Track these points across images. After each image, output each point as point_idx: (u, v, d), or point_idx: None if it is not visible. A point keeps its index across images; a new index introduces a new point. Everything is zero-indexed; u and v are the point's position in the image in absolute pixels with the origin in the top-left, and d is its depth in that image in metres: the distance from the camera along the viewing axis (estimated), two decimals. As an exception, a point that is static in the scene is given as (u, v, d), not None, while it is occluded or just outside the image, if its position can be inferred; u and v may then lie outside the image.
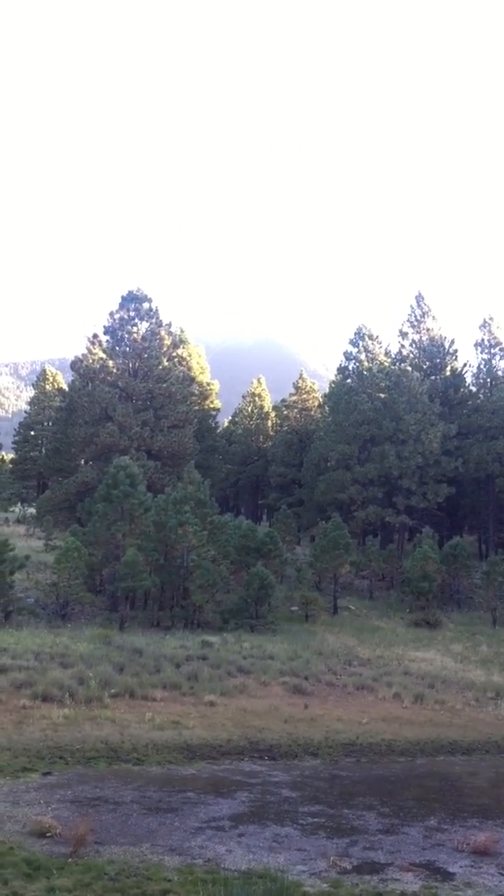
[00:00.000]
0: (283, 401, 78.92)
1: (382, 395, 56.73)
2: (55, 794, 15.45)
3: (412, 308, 59.71)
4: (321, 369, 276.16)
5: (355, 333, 60.82)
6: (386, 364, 59.87)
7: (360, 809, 16.28)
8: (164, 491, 40.95)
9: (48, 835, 12.78)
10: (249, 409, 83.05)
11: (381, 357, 60.36)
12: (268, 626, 36.07)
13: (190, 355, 71.54)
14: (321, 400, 71.52)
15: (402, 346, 58.52)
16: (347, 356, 60.72)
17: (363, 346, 60.10)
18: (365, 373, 58.68)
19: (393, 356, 59.58)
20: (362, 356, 59.76)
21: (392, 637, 37.87)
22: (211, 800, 16.08)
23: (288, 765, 19.55)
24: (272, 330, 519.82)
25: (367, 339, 60.44)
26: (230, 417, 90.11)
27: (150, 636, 31.58)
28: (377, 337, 61.16)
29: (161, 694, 24.36)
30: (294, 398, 74.82)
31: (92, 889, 10.57)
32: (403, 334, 58.55)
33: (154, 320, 54.22)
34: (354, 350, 60.38)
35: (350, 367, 60.54)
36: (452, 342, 59.52)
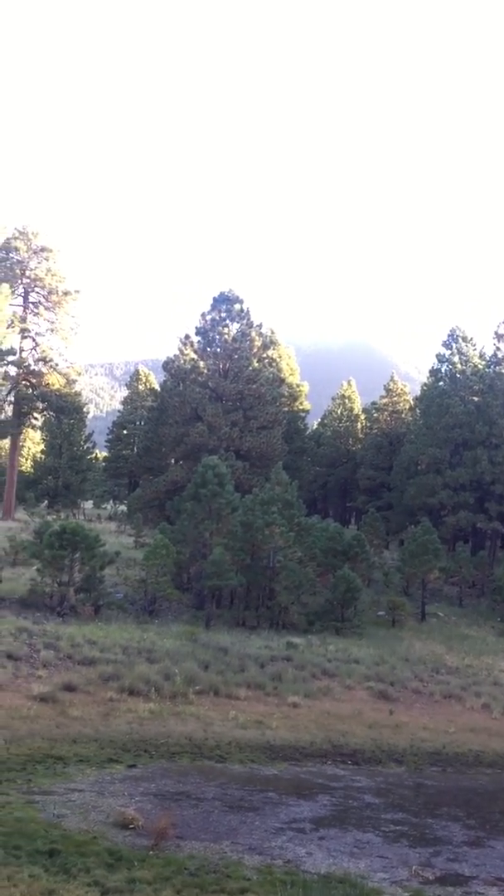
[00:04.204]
0: (374, 403, 78.10)
1: (476, 399, 55.45)
2: (139, 786, 15.67)
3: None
4: (413, 372, 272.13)
5: (449, 335, 59.62)
6: (480, 367, 58.46)
7: (445, 820, 15.91)
8: (251, 491, 41.08)
9: (131, 826, 12.97)
10: (339, 411, 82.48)
11: (476, 359, 58.94)
12: (353, 630, 35.72)
13: (280, 357, 71.60)
14: (412, 403, 70.45)
15: (498, 348, 56.99)
16: (440, 358, 59.58)
17: (456, 348, 58.82)
18: (458, 375, 57.49)
19: (488, 359, 58.12)
20: (455, 358, 58.51)
21: (482, 646, 36.91)
22: (292, 801, 16.01)
23: (371, 771, 19.30)
24: (363, 332, 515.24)
25: (460, 340, 59.14)
26: (319, 420, 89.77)
27: (235, 635, 31.73)
28: (471, 339, 59.76)
29: (245, 693, 24.42)
30: (385, 400, 73.97)
31: (171, 883, 10.64)
32: (499, 336, 57.06)
33: (245, 321, 54.54)
34: (447, 352, 59.17)
35: (443, 370, 59.40)
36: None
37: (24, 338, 57.66)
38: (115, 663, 24.72)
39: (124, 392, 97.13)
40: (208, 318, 54.42)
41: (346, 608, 36.72)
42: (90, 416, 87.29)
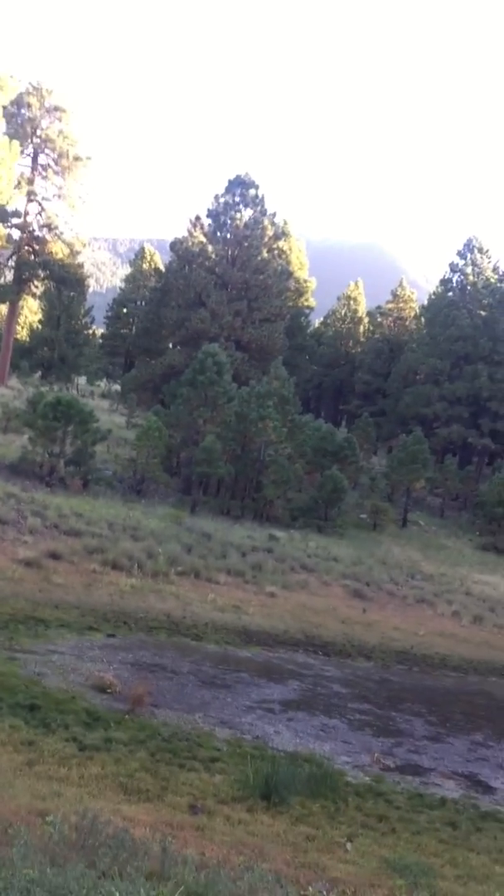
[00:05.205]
0: (379, 307, 76.83)
1: (483, 313, 54.70)
2: (117, 655, 16.13)
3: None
4: (421, 280, 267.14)
5: (465, 245, 58.17)
6: (493, 281, 57.37)
7: (408, 715, 16.56)
8: (248, 384, 40.88)
9: (108, 691, 13.39)
10: (343, 311, 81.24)
11: (489, 272, 57.77)
12: (335, 530, 36.32)
13: (290, 249, 69.85)
14: (418, 311, 69.44)
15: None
16: (453, 268, 58.37)
17: (471, 258, 57.51)
18: (469, 287, 56.49)
19: (501, 273, 57.01)
20: (468, 269, 57.31)
21: (458, 557, 37.74)
22: (263, 683, 16.57)
23: (341, 663, 19.94)
24: (375, 234, 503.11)
25: (476, 251, 57.77)
26: (321, 318, 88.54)
27: (219, 523, 32.19)
28: (488, 251, 58.40)
29: (225, 578, 24.96)
30: (391, 305, 72.80)
31: (146, 746, 11.07)
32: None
33: (259, 208, 52.86)
34: (461, 262, 57.90)
35: (454, 280, 58.33)
36: None
37: (29, 201, 55.61)
38: (100, 537, 25.10)
39: (126, 269, 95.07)
40: (221, 200, 52.68)
41: (331, 508, 37.22)
42: (90, 290, 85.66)
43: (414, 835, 9.81)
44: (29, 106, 52.86)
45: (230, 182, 52.69)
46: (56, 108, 54.40)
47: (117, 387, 69.62)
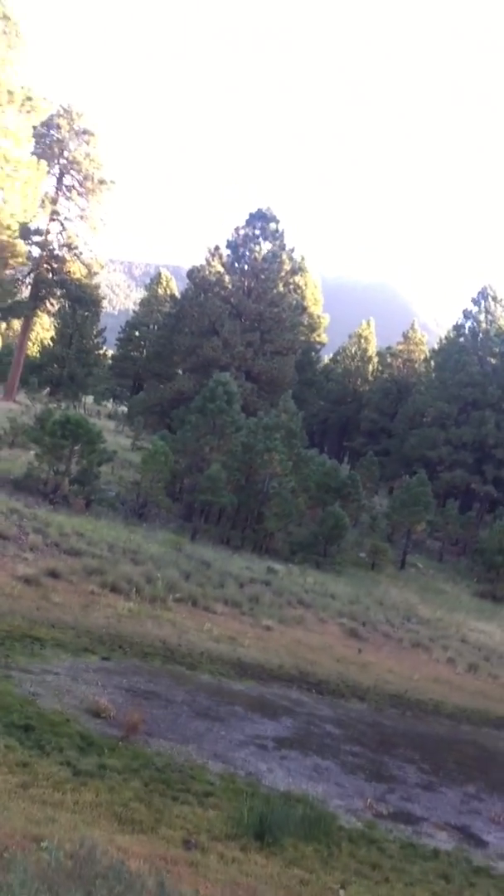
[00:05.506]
0: (389, 348, 77.34)
1: (494, 361, 55.00)
2: (112, 679, 15.98)
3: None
4: (431, 323, 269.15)
5: (479, 293, 58.71)
6: (504, 329, 57.84)
7: (401, 761, 16.35)
8: (256, 414, 40.99)
9: (102, 715, 13.24)
10: (353, 349, 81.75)
11: (502, 321, 58.23)
12: (334, 566, 36.18)
13: (306, 284, 70.55)
14: (428, 354, 69.83)
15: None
16: (466, 314, 58.86)
17: (485, 306, 58.02)
18: (480, 335, 56.87)
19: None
20: (482, 317, 57.79)
21: (455, 602, 37.54)
22: (257, 718, 16.39)
23: (334, 702, 19.73)
24: (388, 275, 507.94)
25: (490, 299, 58.29)
26: (331, 355, 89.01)
27: (218, 552, 32.08)
28: (502, 300, 58.91)
29: (222, 608, 24.81)
30: (401, 347, 73.28)
31: (140, 775, 10.92)
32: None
33: (278, 242, 53.47)
34: (475, 309, 58.40)
35: (467, 326, 58.78)
36: None
37: (52, 220, 56.39)
38: (101, 558, 25.00)
39: (140, 293, 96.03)
40: (241, 232, 53.30)
41: (330, 544, 37.12)
42: (103, 311, 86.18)
43: (407, 886, 9.64)
44: (59, 128, 53.71)
45: (251, 215, 53.33)
46: (84, 132, 55.33)
47: (124, 408, 69.77)
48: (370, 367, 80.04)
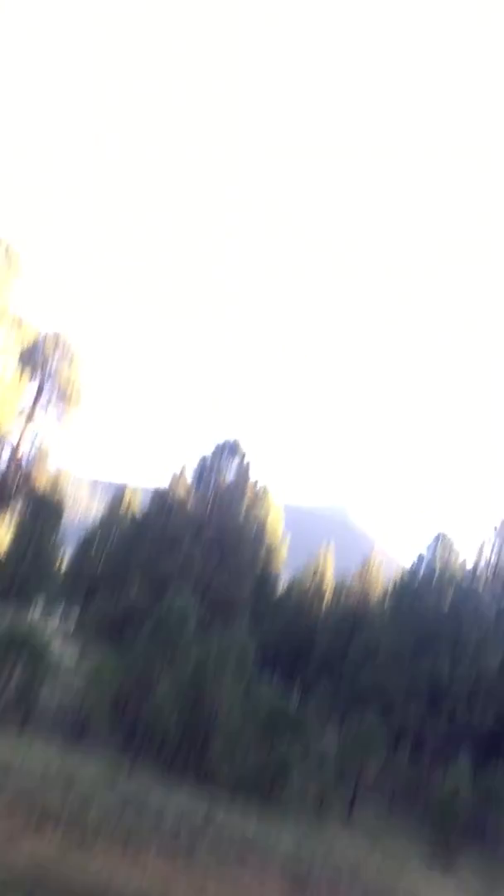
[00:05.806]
0: (345, 580, 77.52)
1: (446, 607, 55.46)
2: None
3: (496, 532, 59.94)
4: (389, 550, 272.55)
5: (434, 539, 60.28)
6: (458, 577, 58.90)
7: None
8: (210, 632, 40.37)
9: None
10: (308, 581, 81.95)
11: (456, 567, 59.45)
12: (278, 807, 34.11)
13: (267, 514, 72.10)
14: (385, 587, 70.08)
15: (478, 563, 57.96)
16: (420, 559, 60.10)
17: (438, 553, 59.46)
18: (434, 582, 57.78)
19: (466, 570, 58.77)
20: (436, 564, 59.05)
21: (403, 861, 35.13)
22: None
23: None
24: (345, 501, 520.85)
25: (442, 547, 59.88)
26: (288, 579, 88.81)
27: (158, 785, 30.22)
28: (454, 547, 60.40)
29: (157, 848, 23.10)
30: (357, 581, 73.67)
31: None
32: (481, 553, 58.15)
33: (242, 475, 55.46)
34: (429, 556, 59.82)
35: (421, 571, 59.77)
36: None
37: (24, 430, 58.26)
38: (28, 792, 23.40)
39: (100, 505, 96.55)
40: (207, 461, 55.28)
41: (276, 782, 35.32)
42: (63, 520, 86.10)
43: None
44: (44, 350, 57.12)
45: (218, 445, 55.76)
46: (67, 353, 58.74)
47: (76, 615, 68.18)
48: (325, 598, 79.77)
